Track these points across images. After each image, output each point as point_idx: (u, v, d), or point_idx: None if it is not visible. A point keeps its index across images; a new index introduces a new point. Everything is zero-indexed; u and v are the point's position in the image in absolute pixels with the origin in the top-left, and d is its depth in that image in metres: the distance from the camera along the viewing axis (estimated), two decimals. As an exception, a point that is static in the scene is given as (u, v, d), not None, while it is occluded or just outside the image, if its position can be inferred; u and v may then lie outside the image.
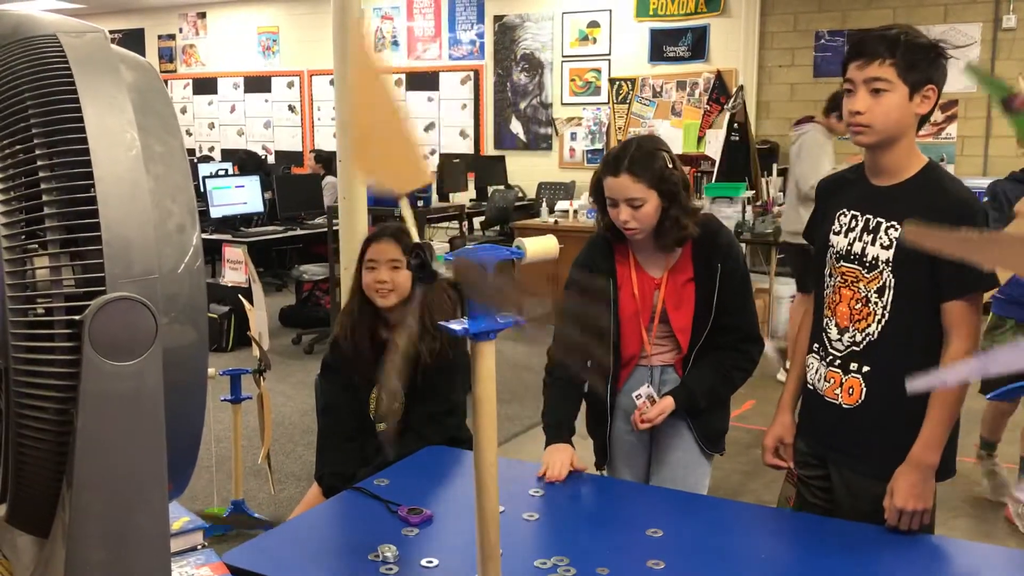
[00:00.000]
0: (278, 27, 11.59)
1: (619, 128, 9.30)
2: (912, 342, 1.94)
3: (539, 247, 1.40)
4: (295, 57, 11.47)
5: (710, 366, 2.37)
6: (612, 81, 9.38)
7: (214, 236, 6.85)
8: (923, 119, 1.93)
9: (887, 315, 1.95)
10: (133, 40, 12.48)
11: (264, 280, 7.33)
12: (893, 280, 1.94)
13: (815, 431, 2.15)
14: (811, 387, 2.12)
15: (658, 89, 9.12)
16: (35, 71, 0.87)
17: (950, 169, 7.58)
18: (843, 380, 2.03)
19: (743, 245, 5.92)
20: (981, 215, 1.93)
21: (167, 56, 12.62)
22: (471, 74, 10.27)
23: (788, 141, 8.60)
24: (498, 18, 10.01)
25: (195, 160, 10.32)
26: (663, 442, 2.44)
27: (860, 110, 1.90)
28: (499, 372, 1.34)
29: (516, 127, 10.08)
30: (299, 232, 7.38)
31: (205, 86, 12.38)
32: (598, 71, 9.50)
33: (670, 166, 2.27)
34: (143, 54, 1.10)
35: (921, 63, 1.88)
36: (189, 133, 12.41)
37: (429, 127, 10.50)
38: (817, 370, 2.10)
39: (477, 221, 8.65)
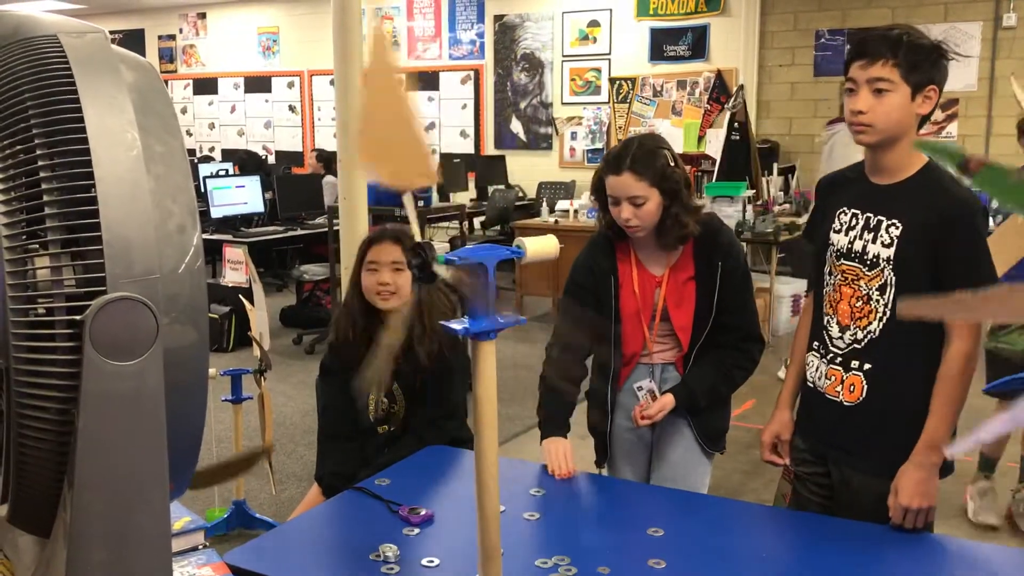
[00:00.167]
0: (278, 27, 11.59)
1: (619, 128, 9.30)
2: (913, 340, 1.94)
3: (539, 247, 1.41)
4: (295, 57, 11.47)
5: (711, 364, 2.37)
6: (612, 81, 9.38)
7: (215, 236, 6.85)
8: (923, 119, 1.94)
9: (888, 313, 1.96)
10: (133, 40, 12.48)
11: (265, 280, 7.34)
12: (894, 278, 1.94)
13: (815, 429, 2.15)
14: (811, 385, 2.13)
15: (658, 88, 9.12)
16: (36, 71, 0.87)
17: (950, 168, 7.60)
18: (844, 378, 2.03)
19: (743, 244, 5.92)
20: (981, 214, 1.94)
21: (167, 56, 12.62)
22: (471, 74, 10.27)
23: (788, 140, 8.63)
24: (498, 18, 10.01)
25: (195, 160, 10.32)
26: (664, 440, 2.44)
27: (863, 109, 1.91)
28: (499, 372, 1.34)
29: (516, 127, 10.08)
30: (299, 232, 7.38)
31: (205, 86, 12.38)
32: (598, 71, 9.50)
33: (672, 164, 2.27)
34: (143, 54, 1.10)
35: (923, 64, 1.89)
36: (189, 133, 12.42)
37: (429, 127, 10.49)
38: (818, 368, 2.10)
39: (477, 221, 8.65)
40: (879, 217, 1.97)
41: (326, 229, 6.58)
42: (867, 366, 1.99)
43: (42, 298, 0.83)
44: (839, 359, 2.04)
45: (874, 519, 1.95)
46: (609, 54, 9.41)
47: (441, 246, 2.13)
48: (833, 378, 2.05)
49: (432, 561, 1.77)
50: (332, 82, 5.62)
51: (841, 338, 2.04)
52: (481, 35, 10.17)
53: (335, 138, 6.10)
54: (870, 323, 1.98)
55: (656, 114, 9.12)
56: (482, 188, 9.05)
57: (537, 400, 2.39)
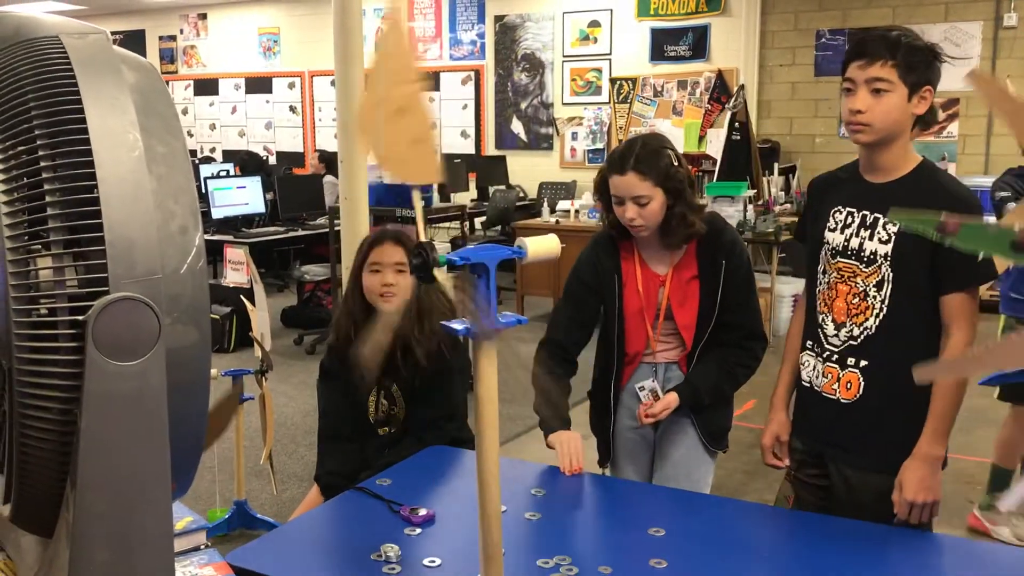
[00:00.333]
0: (279, 28, 11.59)
1: (620, 128, 9.30)
2: (909, 335, 1.95)
3: (540, 247, 1.41)
4: (296, 58, 11.48)
5: (714, 363, 2.37)
6: (613, 81, 9.38)
7: (216, 237, 6.86)
8: (920, 120, 1.96)
9: (885, 309, 1.97)
10: (134, 41, 12.49)
11: (266, 281, 7.32)
12: (892, 274, 1.95)
13: (812, 428, 2.16)
14: (807, 384, 2.13)
15: (659, 88, 9.12)
16: (38, 72, 0.87)
17: (951, 168, 7.60)
18: (841, 375, 2.04)
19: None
20: (977, 213, 1.95)
21: (168, 57, 12.62)
22: (472, 74, 10.28)
23: (789, 140, 8.63)
24: (499, 18, 10.01)
25: (197, 161, 10.33)
26: (667, 439, 2.45)
27: (861, 109, 1.92)
28: (499, 372, 1.34)
29: (517, 127, 10.08)
30: (300, 233, 7.39)
31: (206, 87, 12.39)
32: (599, 71, 9.51)
33: (675, 164, 2.28)
34: (144, 55, 1.10)
35: (920, 65, 1.92)
36: (190, 134, 12.42)
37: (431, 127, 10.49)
38: (814, 367, 2.11)
39: (478, 221, 8.66)
40: (876, 215, 1.98)
41: (327, 229, 6.59)
42: (864, 363, 2.00)
43: (44, 298, 0.83)
44: (835, 356, 2.05)
45: (873, 516, 1.95)
46: (610, 54, 9.42)
47: (442, 246, 2.13)
48: (830, 376, 2.06)
49: (433, 561, 1.77)
50: (333, 83, 5.62)
51: (836, 335, 2.04)
52: (482, 35, 10.17)
53: (336, 139, 6.10)
54: (866, 320, 1.99)
55: (657, 114, 9.12)
56: (483, 188, 9.05)
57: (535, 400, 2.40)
